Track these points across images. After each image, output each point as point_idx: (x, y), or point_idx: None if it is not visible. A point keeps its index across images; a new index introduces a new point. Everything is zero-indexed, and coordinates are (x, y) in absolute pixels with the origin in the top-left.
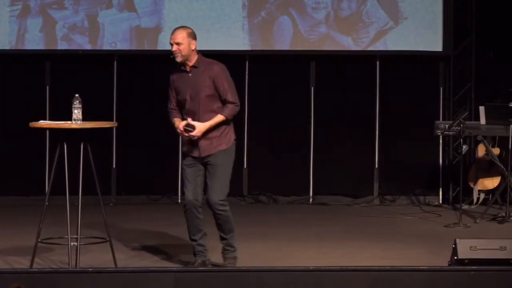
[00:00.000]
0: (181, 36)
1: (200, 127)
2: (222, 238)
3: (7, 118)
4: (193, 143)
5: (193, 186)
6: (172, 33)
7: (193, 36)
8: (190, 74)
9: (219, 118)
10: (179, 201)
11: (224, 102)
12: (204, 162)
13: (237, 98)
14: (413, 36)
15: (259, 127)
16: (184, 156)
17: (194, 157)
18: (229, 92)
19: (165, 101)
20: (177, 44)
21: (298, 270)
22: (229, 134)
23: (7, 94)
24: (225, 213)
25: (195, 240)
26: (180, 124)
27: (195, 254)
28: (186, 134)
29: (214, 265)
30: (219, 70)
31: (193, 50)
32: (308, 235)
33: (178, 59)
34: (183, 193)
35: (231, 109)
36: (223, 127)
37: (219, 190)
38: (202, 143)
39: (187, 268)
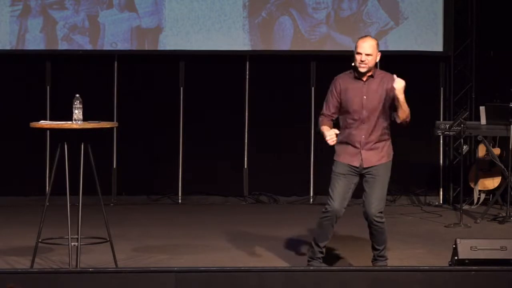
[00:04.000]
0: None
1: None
2: (374, 249)
3: (7, 118)
4: (353, 152)
5: (343, 195)
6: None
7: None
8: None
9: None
10: (180, 201)
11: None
12: (363, 173)
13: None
14: (413, 36)
15: (260, 127)
16: (338, 163)
17: (351, 166)
18: None
19: (165, 101)
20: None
21: (298, 270)
22: (390, 147)
23: (8, 94)
24: (382, 225)
25: (319, 246)
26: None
27: (312, 258)
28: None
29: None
30: None
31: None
32: (309, 235)
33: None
34: (326, 198)
35: None
36: (386, 139)
37: (379, 202)
38: (365, 154)
39: (187, 268)
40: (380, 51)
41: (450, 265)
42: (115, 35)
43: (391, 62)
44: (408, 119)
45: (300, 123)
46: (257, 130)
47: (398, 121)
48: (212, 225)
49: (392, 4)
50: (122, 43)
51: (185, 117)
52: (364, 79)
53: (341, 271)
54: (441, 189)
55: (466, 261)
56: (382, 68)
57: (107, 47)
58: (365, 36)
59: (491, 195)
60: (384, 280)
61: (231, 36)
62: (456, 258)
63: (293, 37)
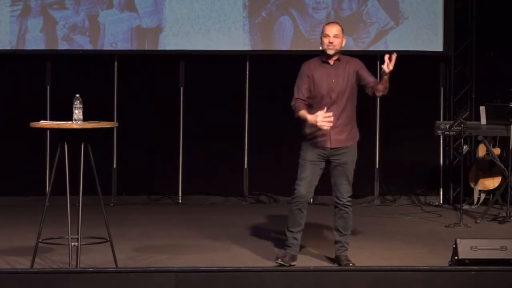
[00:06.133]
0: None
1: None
2: (340, 234)
3: (7, 118)
4: (322, 134)
5: (309, 182)
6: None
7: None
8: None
9: None
10: (180, 201)
11: None
12: (331, 158)
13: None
14: (413, 36)
15: (260, 127)
16: (306, 149)
17: (320, 151)
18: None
19: (165, 101)
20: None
21: (298, 270)
22: (357, 130)
23: (8, 94)
24: (350, 209)
25: (292, 232)
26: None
27: (287, 246)
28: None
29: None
30: None
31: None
32: (308, 235)
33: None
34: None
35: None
36: (353, 121)
37: (349, 185)
38: (334, 136)
39: (187, 268)
40: (377, 50)
41: (450, 265)
42: (115, 35)
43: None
44: (386, 91)
45: (300, 123)
46: (257, 130)
47: (378, 94)
48: (212, 225)
49: (392, 4)
50: (122, 43)
51: (185, 117)
52: (332, 63)
53: (341, 271)
54: (441, 189)
55: (466, 261)
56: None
57: (107, 47)
58: (332, 21)
59: (491, 195)
60: (384, 280)
61: (231, 36)
62: (456, 258)
63: (293, 37)
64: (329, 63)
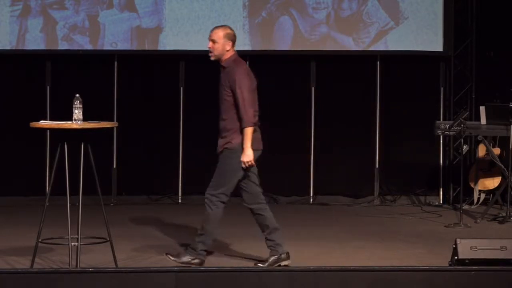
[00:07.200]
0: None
1: None
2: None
3: (7, 118)
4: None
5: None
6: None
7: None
8: None
9: None
10: (180, 201)
11: None
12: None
13: None
14: (413, 36)
15: (259, 127)
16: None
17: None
18: None
19: (165, 101)
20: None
21: (298, 270)
22: (234, 137)
23: (8, 94)
24: (207, 207)
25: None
26: None
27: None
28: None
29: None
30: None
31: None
32: (308, 235)
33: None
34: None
35: None
36: (231, 128)
37: (212, 184)
38: (219, 141)
39: (188, 268)
40: (377, 50)
41: (450, 265)
42: (115, 35)
43: (391, 62)
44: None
45: (300, 123)
46: None
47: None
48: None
49: (392, 4)
50: (122, 43)
51: (185, 117)
52: (221, 68)
53: (340, 270)
54: (441, 189)
55: (466, 261)
56: (382, 68)
57: (107, 47)
58: (217, 25)
59: (491, 195)
60: (384, 280)
61: None
62: (456, 258)
63: (293, 37)
64: (220, 69)
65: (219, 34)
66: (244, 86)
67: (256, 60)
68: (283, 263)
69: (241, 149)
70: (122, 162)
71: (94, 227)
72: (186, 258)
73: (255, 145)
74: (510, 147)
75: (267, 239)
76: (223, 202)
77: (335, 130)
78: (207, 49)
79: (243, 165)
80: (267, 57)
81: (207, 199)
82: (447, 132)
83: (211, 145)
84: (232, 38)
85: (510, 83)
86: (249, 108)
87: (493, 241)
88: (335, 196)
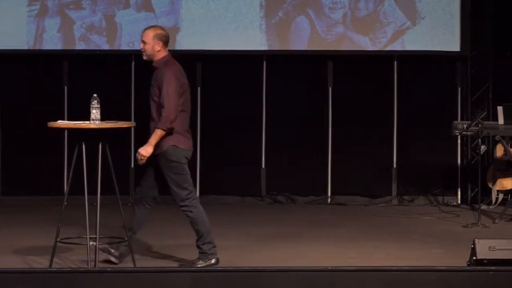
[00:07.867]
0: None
1: None
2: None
3: (25, 118)
4: None
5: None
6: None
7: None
8: None
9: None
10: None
11: None
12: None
13: None
14: (430, 36)
15: (277, 127)
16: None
17: None
18: None
19: None
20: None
21: (314, 270)
22: (164, 139)
23: (25, 95)
24: (189, 214)
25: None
26: None
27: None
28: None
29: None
30: None
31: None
32: (325, 235)
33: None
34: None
35: None
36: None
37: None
38: None
39: (204, 268)
40: (393, 50)
41: (468, 265)
42: (132, 35)
43: (408, 62)
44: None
45: (317, 123)
46: (274, 130)
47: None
48: (228, 225)
49: (409, 4)
50: (139, 43)
51: (202, 116)
52: (153, 69)
53: (357, 271)
54: (459, 189)
55: (485, 261)
56: (399, 68)
57: (124, 47)
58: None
59: (509, 195)
60: (400, 280)
61: (248, 36)
62: (474, 258)
63: (310, 37)
64: (154, 69)
65: (149, 35)
66: (171, 88)
67: (272, 60)
68: (112, 258)
69: (176, 149)
70: None
71: (112, 227)
72: (200, 263)
73: (184, 145)
74: None
75: (132, 238)
76: (195, 198)
77: (352, 130)
78: (223, 49)
79: (137, 155)
80: (284, 57)
81: (182, 208)
82: (464, 132)
83: (228, 144)
84: (163, 39)
85: None
86: (172, 112)
87: (511, 241)
88: (353, 196)
